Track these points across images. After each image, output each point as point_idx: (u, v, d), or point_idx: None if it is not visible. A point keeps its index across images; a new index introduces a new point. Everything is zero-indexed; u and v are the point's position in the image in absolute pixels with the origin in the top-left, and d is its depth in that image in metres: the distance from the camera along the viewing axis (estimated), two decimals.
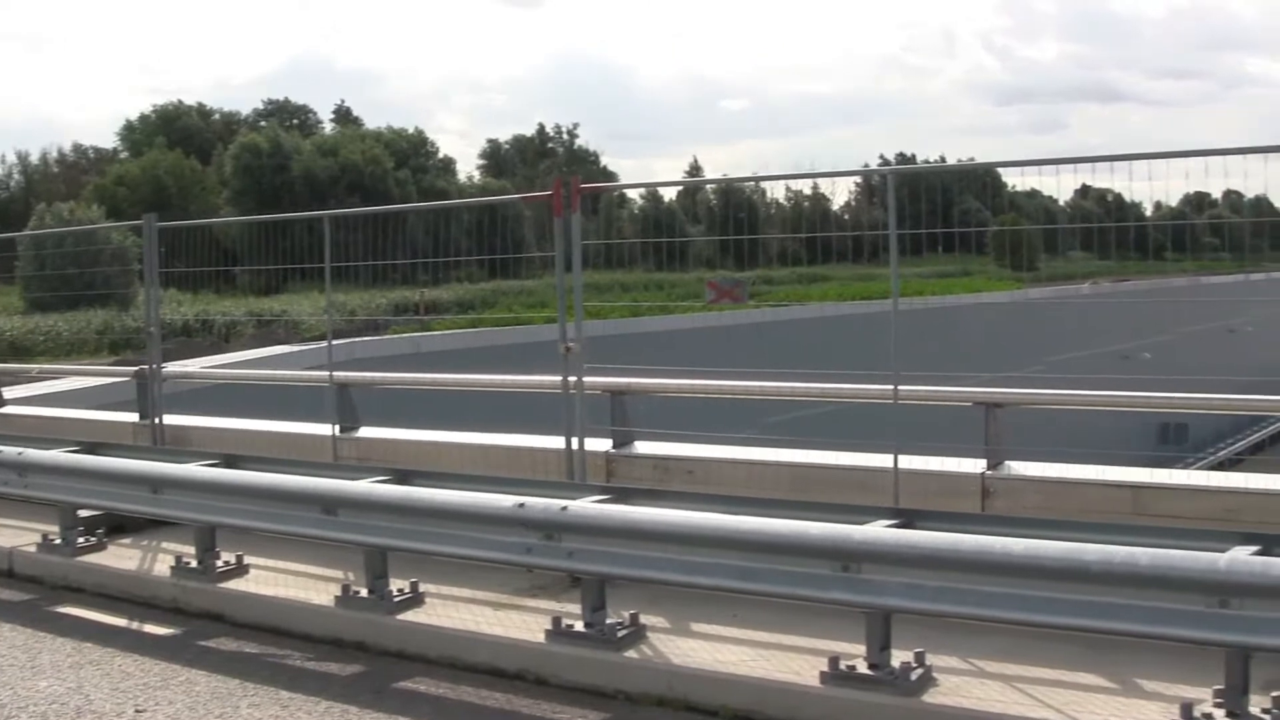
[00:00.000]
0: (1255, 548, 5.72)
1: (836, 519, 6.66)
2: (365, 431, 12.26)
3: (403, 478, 8.53)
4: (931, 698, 6.11)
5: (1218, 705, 5.49)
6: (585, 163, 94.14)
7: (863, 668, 6.23)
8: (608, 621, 7.05)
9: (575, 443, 9.04)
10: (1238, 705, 5.45)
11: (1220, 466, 15.92)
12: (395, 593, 7.96)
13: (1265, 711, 5.46)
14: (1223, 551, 5.62)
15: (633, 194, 73.23)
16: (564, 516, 7.12)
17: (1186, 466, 15.93)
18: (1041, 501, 8.42)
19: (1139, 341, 20.93)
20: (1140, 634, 5.72)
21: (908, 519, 6.70)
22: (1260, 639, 5.37)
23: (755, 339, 21.78)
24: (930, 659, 6.30)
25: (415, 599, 7.99)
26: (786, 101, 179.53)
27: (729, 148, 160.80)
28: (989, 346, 22.36)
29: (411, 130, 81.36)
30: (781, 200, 57.85)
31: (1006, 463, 9.00)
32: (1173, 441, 20.61)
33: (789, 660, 6.70)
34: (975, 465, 9.03)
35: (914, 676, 6.17)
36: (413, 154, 78.46)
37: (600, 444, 10.35)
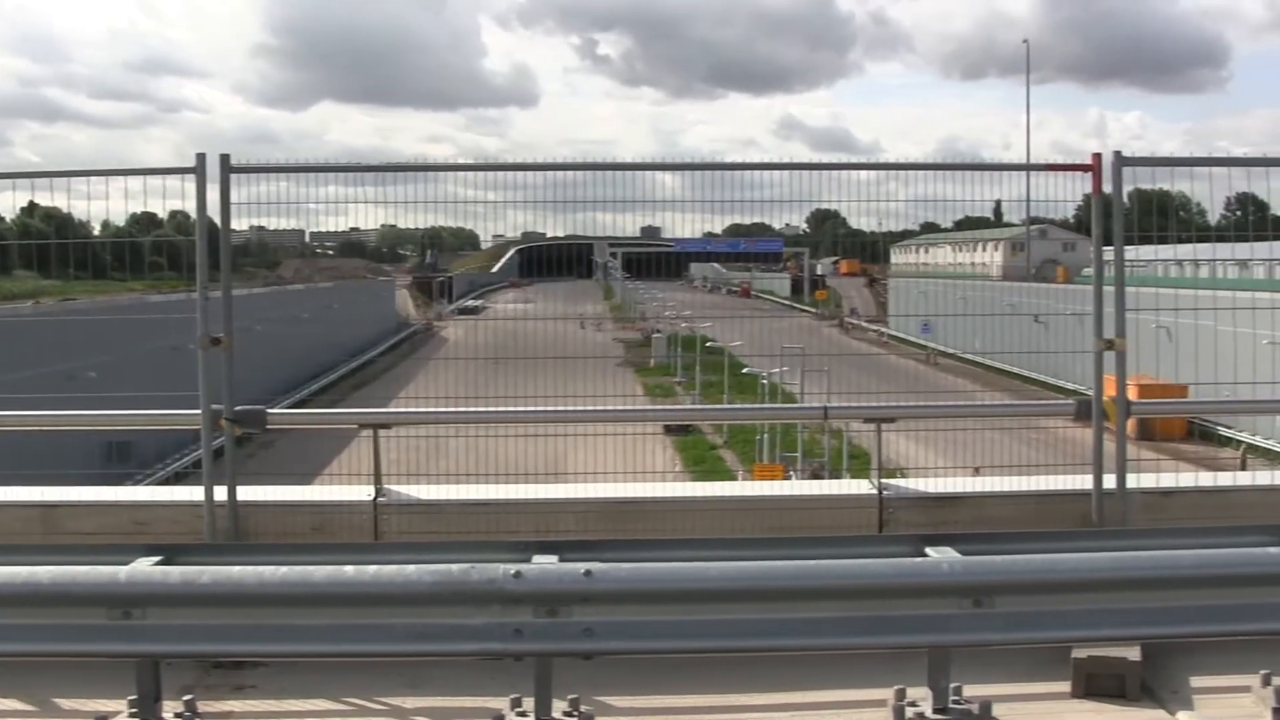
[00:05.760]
0: (158, 558, 6.11)
1: None
2: None
3: None
4: None
5: (132, 714, 5.68)
6: None
7: None
8: None
9: None
10: (151, 712, 5.69)
11: (172, 480, 16.69)
12: None
13: (178, 715, 5.77)
14: (126, 564, 5.92)
15: None
16: None
17: (137, 482, 16.37)
18: None
19: (85, 360, 20.86)
20: (50, 652, 5.77)
21: None
22: (163, 646, 5.67)
23: None
24: None
25: None
26: None
27: None
28: None
29: None
30: None
31: None
32: (119, 459, 20.75)
33: None
34: None
35: None
36: None
37: None
